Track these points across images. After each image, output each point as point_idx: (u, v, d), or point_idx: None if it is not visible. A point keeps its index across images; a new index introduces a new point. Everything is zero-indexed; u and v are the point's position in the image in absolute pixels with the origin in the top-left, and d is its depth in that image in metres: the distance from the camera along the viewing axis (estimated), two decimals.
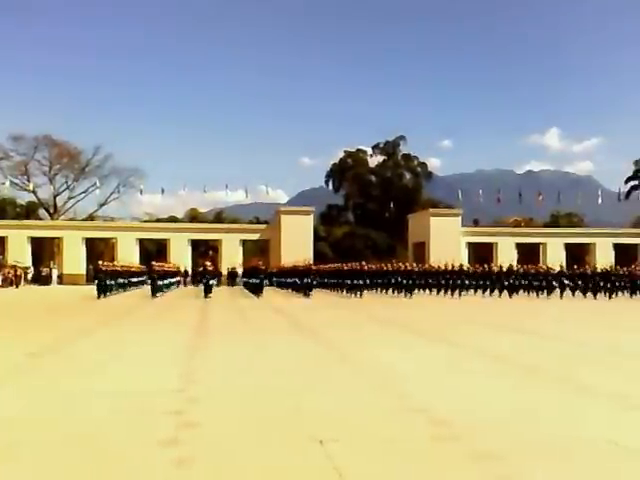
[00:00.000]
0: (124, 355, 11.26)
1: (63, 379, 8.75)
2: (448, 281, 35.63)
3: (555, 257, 49.88)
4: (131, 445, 5.62)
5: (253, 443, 5.71)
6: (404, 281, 34.79)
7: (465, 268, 38.23)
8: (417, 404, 7.25)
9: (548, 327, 17.88)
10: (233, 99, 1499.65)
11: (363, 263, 36.37)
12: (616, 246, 58.02)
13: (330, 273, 40.68)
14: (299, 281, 34.83)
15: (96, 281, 31.95)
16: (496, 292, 35.57)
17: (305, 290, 33.51)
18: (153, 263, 35.78)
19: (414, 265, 36.72)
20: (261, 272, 34.77)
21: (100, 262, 34.09)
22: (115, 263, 38.00)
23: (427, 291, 36.97)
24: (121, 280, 36.32)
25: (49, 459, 5.24)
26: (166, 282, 36.55)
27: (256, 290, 33.27)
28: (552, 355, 11.52)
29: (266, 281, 33.71)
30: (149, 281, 35.06)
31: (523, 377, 9.19)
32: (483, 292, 36.09)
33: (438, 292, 35.77)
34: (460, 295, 34.37)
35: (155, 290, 32.27)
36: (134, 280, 40.40)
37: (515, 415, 6.83)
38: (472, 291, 36.42)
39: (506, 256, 50.06)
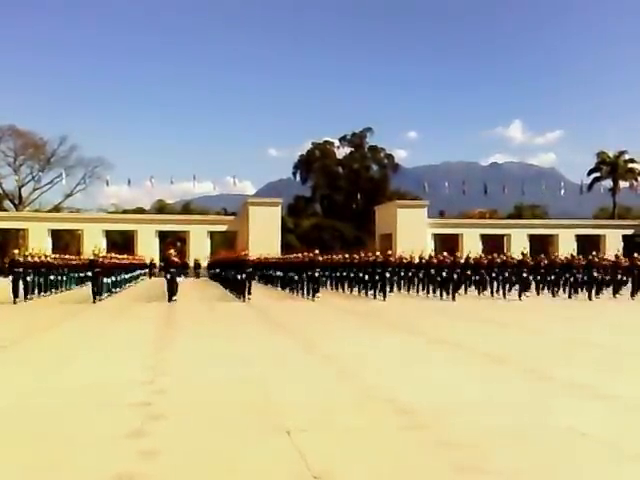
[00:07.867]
0: None
1: None
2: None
3: (519, 248, 50.45)
4: (96, 436, 5.57)
5: (220, 434, 5.71)
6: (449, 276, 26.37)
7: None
8: (384, 394, 7.29)
9: None
10: (199, 90, 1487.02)
11: (389, 252, 28.24)
12: (578, 237, 58.96)
13: (337, 266, 31.41)
14: (305, 275, 26.68)
15: (11, 278, 23.54)
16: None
17: (310, 290, 26.04)
18: (94, 253, 25.78)
19: (444, 255, 28.29)
20: (248, 265, 26.31)
21: (16, 251, 25.57)
22: (45, 253, 29.34)
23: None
24: (53, 277, 27.65)
25: (13, 451, 5.17)
26: (115, 279, 28.07)
27: (239, 289, 25.65)
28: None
29: (243, 275, 25.28)
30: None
31: (488, 366, 9.32)
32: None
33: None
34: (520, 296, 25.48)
35: (98, 291, 23.81)
36: (75, 276, 31.85)
37: (481, 404, 6.93)
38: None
39: (471, 247, 50.59)
